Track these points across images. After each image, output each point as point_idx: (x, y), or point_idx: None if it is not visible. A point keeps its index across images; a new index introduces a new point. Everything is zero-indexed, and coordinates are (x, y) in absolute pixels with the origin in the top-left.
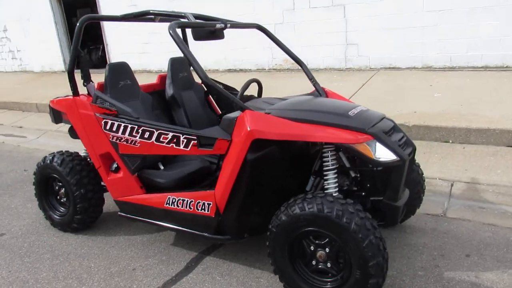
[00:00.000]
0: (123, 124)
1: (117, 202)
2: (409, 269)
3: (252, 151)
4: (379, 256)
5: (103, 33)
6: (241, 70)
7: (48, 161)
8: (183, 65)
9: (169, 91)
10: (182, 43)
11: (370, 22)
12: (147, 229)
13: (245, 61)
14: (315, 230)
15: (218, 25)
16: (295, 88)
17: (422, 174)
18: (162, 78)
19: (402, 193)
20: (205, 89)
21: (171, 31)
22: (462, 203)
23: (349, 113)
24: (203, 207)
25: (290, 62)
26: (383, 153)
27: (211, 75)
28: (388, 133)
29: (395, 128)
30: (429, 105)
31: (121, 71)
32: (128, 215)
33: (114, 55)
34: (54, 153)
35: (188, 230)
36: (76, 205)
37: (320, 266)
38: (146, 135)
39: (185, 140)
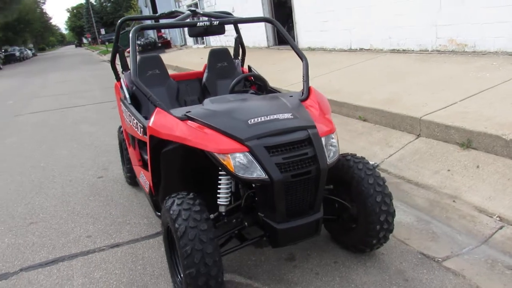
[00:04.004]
0: (124, 108)
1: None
2: None
3: (160, 144)
4: (192, 268)
5: (292, 12)
6: (404, 51)
7: (119, 129)
8: (223, 55)
9: (204, 79)
10: (134, 46)
11: None
12: None
13: (408, 40)
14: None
15: (200, 23)
16: (429, 75)
17: (385, 203)
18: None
19: (287, 216)
20: (252, 78)
21: (130, 34)
22: (489, 255)
23: (250, 120)
24: (147, 186)
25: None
26: (252, 169)
27: (375, 55)
28: (281, 147)
29: (309, 142)
30: None
31: (151, 62)
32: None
33: (299, 33)
34: None
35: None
36: (126, 165)
37: None
38: (129, 119)
39: (139, 127)
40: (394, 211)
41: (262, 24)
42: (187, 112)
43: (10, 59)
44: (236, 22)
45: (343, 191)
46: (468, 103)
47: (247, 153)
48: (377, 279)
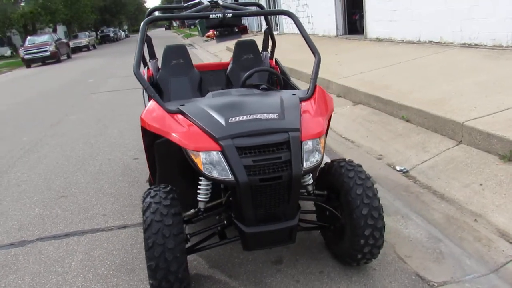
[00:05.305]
0: (142, 95)
1: None
2: None
3: (155, 135)
4: (152, 261)
5: (363, 1)
6: (475, 46)
7: None
8: (249, 47)
9: (228, 70)
10: (142, 38)
11: None
12: None
13: (481, 33)
14: None
15: (213, 15)
16: (492, 74)
17: (373, 216)
18: None
19: (257, 220)
20: (278, 71)
21: (141, 25)
22: (494, 286)
23: (230, 119)
24: (149, 175)
25: None
26: (220, 169)
27: (443, 49)
28: (254, 149)
29: (287, 146)
30: None
31: (176, 52)
32: None
33: (369, 22)
34: None
35: None
36: None
37: None
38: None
39: None
40: (383, 226)
41: (332, 12)
42: (180, 105)
43: (105, 39)
44: (250, 14)
45: (335, 199)
46: None
47: (219, 153)
48: None
